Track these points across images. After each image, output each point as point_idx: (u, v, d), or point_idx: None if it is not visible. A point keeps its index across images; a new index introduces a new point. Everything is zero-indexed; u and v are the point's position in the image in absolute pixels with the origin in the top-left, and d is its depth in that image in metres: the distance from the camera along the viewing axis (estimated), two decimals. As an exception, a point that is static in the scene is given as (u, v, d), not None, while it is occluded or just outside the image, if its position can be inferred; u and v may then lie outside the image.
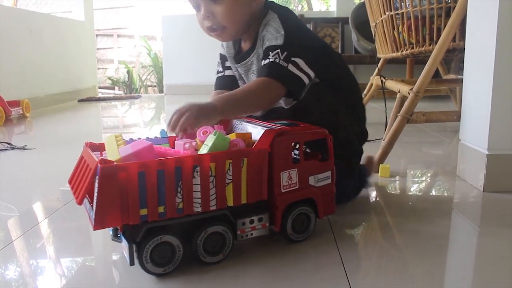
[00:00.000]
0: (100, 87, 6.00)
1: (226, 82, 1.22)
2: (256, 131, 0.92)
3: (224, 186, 0.81)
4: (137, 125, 2.97)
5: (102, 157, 0.75)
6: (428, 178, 1.51)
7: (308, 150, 1.01)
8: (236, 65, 1.17)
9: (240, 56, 1.15)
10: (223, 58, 1.25)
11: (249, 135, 0.88)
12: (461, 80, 2.11)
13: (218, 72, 1.25)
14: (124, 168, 0.72)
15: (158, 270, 0.79)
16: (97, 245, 1.01)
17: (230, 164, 0.81)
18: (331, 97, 1.08)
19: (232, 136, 0.87)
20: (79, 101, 4.18)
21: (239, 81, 1.20)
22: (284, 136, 0.87)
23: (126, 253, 0.78)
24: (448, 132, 2.28)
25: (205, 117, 0.91)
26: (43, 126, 2.83)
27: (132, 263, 0.77)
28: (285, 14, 1.07)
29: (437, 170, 1.61)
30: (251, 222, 0.87)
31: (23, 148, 1.99)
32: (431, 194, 1.36)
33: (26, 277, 0.84)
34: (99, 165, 0.71)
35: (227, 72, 1.23)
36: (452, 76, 2.48)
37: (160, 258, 0.79)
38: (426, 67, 1.47)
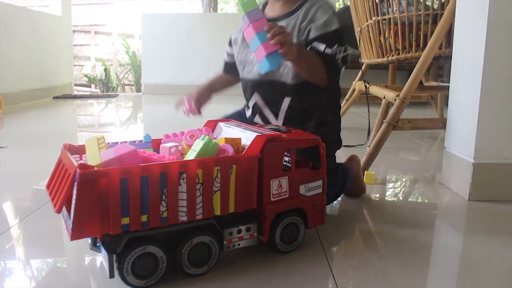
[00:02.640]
0: (76, 84, 5.86)
1: (227, 68, 1.30)
2: (245, 136, 0.88)
3: (211, 194, 0.77)
4: (113, 124, 2.89)
5: (81, 162, 0.70)
6: (413, 186, 1.50)
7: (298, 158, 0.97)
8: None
9: (273, 19, 1.14)
10: (230, 43, 1.28)
11: (238, 140, 0.84)
12: (443, 87, 2.11)
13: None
14: (105, 173, 0.67)
15: (140, 282, 0.74)
16: (74, 255, 0.95)
17: (219, 171, 0.76)
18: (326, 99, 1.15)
19: (220, 141, 0.82)
20: (54, 98, 4.06)
21: (239, 66, 1.22)
22: (275, 142, 0.83)
23: (105, 264, 0.73)
24: (427, 138, 2.28)
25: (292, 45, 0.93)
26: (15, 124, 2.73)
27: (111, 275, 0.72)
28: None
29: (421, 177, 1.60)
30: (239, 231, 0.83)
31: (-6, 147, 1.90)
32: (416, 202, 1.34)
33: (-5, 289, 0.78)
34: (78, 170, 0.66)
35: (227, 59, 1.30)
36: (433, 83, 2.50)
37: (142, 270, 0.74)
38: (413, 74, 1.45)
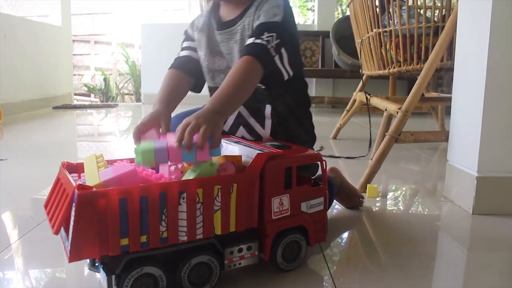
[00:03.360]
0: (75, 94, 5.86)
1: (181, 63, 1.15)
2: (246, 153, 0.87)
3: (212, 213, 0.75)
4: (113, 134, 2.88)
5: (79, 182, 0.68)
6: (415, 198, 1.48)
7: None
8: (217, 32, 1.09)
9: (223, 23, 1.08)
10: (186, 37, 1.18)
11: (239, 158, 0.83)
12: (444, 99, 2.11)
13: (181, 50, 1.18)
14: (104, 194, 0.66)
15: (139, 304, 0.73)
16: (74, 274, 0.93)
17: (219, 190, 0.75)
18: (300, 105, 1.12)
19: (220, 160, 0.81)
20: (53, 108, 4.05)
21: (205, 59, 1.12)
22: (276, 160, 0.82)
23: (104, 286, 0.72)
24: (427, 149, 2.27)
25: (210, 122, 0.80)
26: (15, 134, 2.72)
27: (110, 297, 0.71)
28: None
29: (424, 189, 1.58)
30: (240, 250, 0.82)
31: (-7, 159, 1.89)
32: (419, 215, 1.33)
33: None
34: (76, 191, 0.64)
35: (182, 53, 1.17)
36: (434, 94, 2.49)
37: (141, 292, 0.73)
38: (415, 87, 1.44)
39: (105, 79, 6.60)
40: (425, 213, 1.36)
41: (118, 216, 0.67)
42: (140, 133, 0.89)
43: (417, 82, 1.46)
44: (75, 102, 5.03)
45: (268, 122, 1.07)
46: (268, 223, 0.82)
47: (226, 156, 0.82)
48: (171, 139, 0.77)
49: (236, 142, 0.94)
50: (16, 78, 3.65)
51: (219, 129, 0.82)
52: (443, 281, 0.89)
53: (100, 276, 0.75)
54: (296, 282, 0.85)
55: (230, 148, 0.93)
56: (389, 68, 1.68)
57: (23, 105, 3.69)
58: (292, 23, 1.05)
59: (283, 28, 0.99)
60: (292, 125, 1.10)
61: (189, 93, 1.16)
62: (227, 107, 0.89)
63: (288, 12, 1.02)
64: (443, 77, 3.63)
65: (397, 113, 1.45)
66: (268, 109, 1.07)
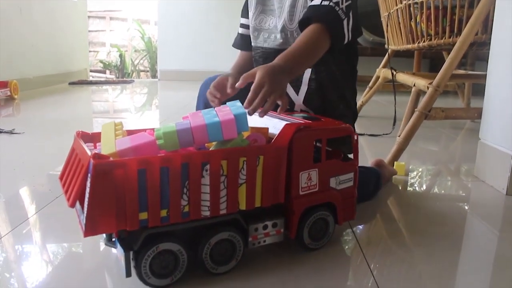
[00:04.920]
0: (91, 71, 5.83)
1: (239, 43, 1.19)
2: (272, 124, 0.81)
3: (236, 187, 0.70)
4: (128, 111, 2.84)
5: (95, 151, 0.63)
6: (444, 178, 1.41)
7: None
8: None
9: None
10: (244, 11, 1.16)
11: (265, 130, 0.77)
12: (472, 76, 2.01)
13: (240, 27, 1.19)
14: (122, 164, 0.61)
15: (159, 282, 0.69)
16: (90, 249, 0.89)
17: (244, 162, 0.70)
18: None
19: (245, 133, 0.75)
20: (70, 83, 4.03)
21: (253, 17, 1.09)
22: (305, 132, 0.76)
23: (121, 262, 0.67)
24: (451, 128, 2.19)
25: (279, 86, 0.78)
26: (32, 109, 2.69)
27: (128, 274, 0.66)
28: None
29: (451, 169, 1.51)
30: (265, 227, 0.77)
31: (11, 132, 1.85)
32: (448, 195, 1.27)
33: (13, 282, 0.73)
34: (92, 161, 0.59)
35: (239, 30, 1.18)
36: (460, 71, 2.39)
37: (161, 269, 0.68)
38: (448, 60, 1.36)
39: (120, 56, 6.55)
40: (454, 193, 1.29)
41: (137, 188, 0.62)
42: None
43: (450, 56, 1.37)
44: (91, 79, 5.00)
45: (304, 88, 1.01)
46: (295, 199, 0.77)
47: (252, 128, 0.76)
48: (195, 119, 0.71)
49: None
50: (32, 54, 3.62)
51: (283, 90, 0.79)
52: (475, 262, 0.84)
53: (117, 252, 0.70)
54: (323, 262, 0.80)
55: (255, 119, 0.87)
56: (418, 42, 1.59)
57: (39, 81, 3.66)
58: None
59: None
60: (331, 95, 1.02)
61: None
62: (295, 65, 0.84)
63: None
64: (467, 55, 3.50)
65: (428, 88, 1.37)
66: (307, 73, 1.00)
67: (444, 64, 1.37)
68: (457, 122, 2.33)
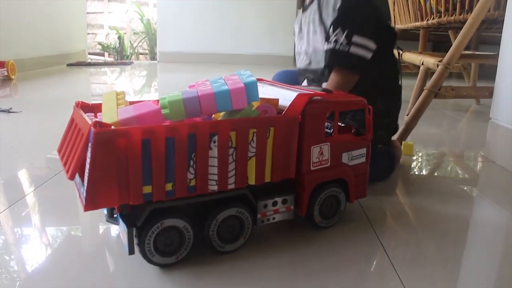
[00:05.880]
0: (89, 53, 5.74)
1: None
2: (283, 95, 0.77)
3: (246, 160, 0.66)
4: (127, 93, 2.79)
5: (96, 120, 0.59)
6: (452, 158, 1.38)
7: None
8: (302, 13, 1.16)
9: (305, 6, 1.15)
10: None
11: (275, 101, 0.73)
12: (481, 56, 1.97)
13: None
14: (125, 133, 0.57)
15: (164, 260, 0.65)
16: (90, 226, 0.85)
17: (254, 134, 0.66)
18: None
19: (254, 104, 0.71)
20: (68, 65, 3.96)
21: (296, 57, 1.19)
22: (318, 103, 0.72)
23: (124, 240, 0.63)
24: (455, 111, 2.15)
25: None
26: (30, 90, 2.63)
27: (131, 251, 0.63)
28: None
29: (460, 149, 1.48)
30: (274, 204, 0.73)
31: (8, 111, 1.81)
32: (457, 175, 1.23)
33: (9, 260, 0.69)
34: (92, 129, 0.55)
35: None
36: (467, 51, 2.34)
37: (165, 246, 0.65)
38: (459, 37, 1.31)
39: (119, 38, 6.45)
40: (465, 173, 1.26)
41: (141, 159, 0.58)
42: None
43: (461, 33, 1.32)
44: (89, 61, 4.93)
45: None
46: (307, 174, 0.73)
47: (261, 99, 0.72)
48: (202, 88, 0.66)
49: (270, 85, 0.84)
50: (29, 34, 3.55)
51: None
52: (487, 244, 0.81)
53: (119, 228, 0.67)
54: (334, 241, 0.77)
55: (263, 90, 0.83)
56: (427, 19, 1.54)
57: (37, 62, 3.59)
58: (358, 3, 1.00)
59: (346, 13, 0.97)
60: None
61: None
62: None
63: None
64: (471, 38, 3.45)
65: (437, 66, 1.33)
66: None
67: (455, 41, 1.33)
68: (462, 105, 2.29)
